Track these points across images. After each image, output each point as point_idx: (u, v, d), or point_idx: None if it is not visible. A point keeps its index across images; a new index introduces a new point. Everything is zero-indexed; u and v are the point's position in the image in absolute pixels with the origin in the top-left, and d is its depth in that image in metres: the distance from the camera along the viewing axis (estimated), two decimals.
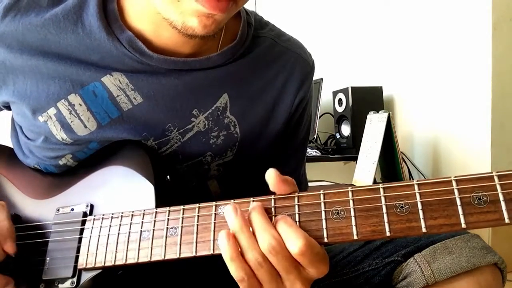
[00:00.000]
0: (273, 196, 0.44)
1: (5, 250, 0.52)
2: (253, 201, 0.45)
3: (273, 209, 0.44)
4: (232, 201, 0.46)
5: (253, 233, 0.41)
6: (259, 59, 0.64)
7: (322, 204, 0.42)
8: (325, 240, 0.41)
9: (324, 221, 0.41)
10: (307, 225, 0.42)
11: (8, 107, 0.65)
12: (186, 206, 0.47)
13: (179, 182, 0.63)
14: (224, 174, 0.65)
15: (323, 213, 0.42)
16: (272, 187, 0.44)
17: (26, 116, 0.61)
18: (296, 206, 0.43)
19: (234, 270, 0.41)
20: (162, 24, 0.54)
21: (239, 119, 0.62)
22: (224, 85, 0.62)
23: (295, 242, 0.39)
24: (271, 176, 0.43)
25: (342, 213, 0.41)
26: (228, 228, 0.42)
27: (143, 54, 0.57)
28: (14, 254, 0.52)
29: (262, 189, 0.67)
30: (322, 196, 0.42)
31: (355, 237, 0.40)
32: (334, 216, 0.41)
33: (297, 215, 0.43)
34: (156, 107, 0.59)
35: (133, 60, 0.57)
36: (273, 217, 0.43)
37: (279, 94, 0.65)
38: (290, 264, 0.40)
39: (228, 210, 0.43)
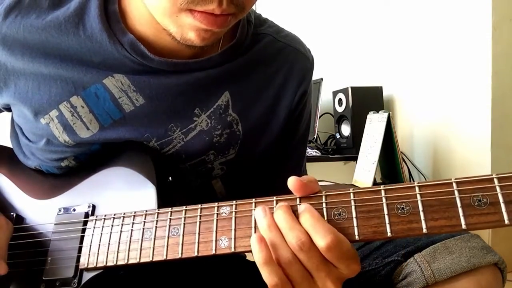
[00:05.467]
0: (275, 198, 0.45)
1: None
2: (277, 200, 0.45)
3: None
4: (233, 202, 0.46)
5: (281, 232, 0.41)
6: (260, 56, 0.64)
7: (324, 205, 0.42)
8: None
9: (325, 222, 0.41)
10: None
11: (8, 109, 0.65)
12: (188, 207, 0.47)
13: (182, 182, 0.64)
14: (227, 173, 0.65)
15: (325, 214, 0.42)
16: (296, 192, 0.44)
17: (27, 118, 0.61)
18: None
19: (268, 275, 0.40)
20: (163, 30, 0.54)
21: (241, 116, 0.63)
22: (225, 84, 0.62)
23: (323, 237, 0.39)
24: (292, 182, 0.43)
25: (344, 214, 0.42)
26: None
27: (144, 57, 0.57)
28: (5, 274, 0.52)
29: (265, 189, 0.68)
30: (324, 197, 0.43)
31: (357, 238, 0.41)
32: (336, 217, 0.42)
33: None
34: (158, 108, 0.59)
35: (135, 62, 0.57)
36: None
37: (280, 90, 0.65)
38: (319, 261, 0.40)
39: (258, 211, 0.43)
